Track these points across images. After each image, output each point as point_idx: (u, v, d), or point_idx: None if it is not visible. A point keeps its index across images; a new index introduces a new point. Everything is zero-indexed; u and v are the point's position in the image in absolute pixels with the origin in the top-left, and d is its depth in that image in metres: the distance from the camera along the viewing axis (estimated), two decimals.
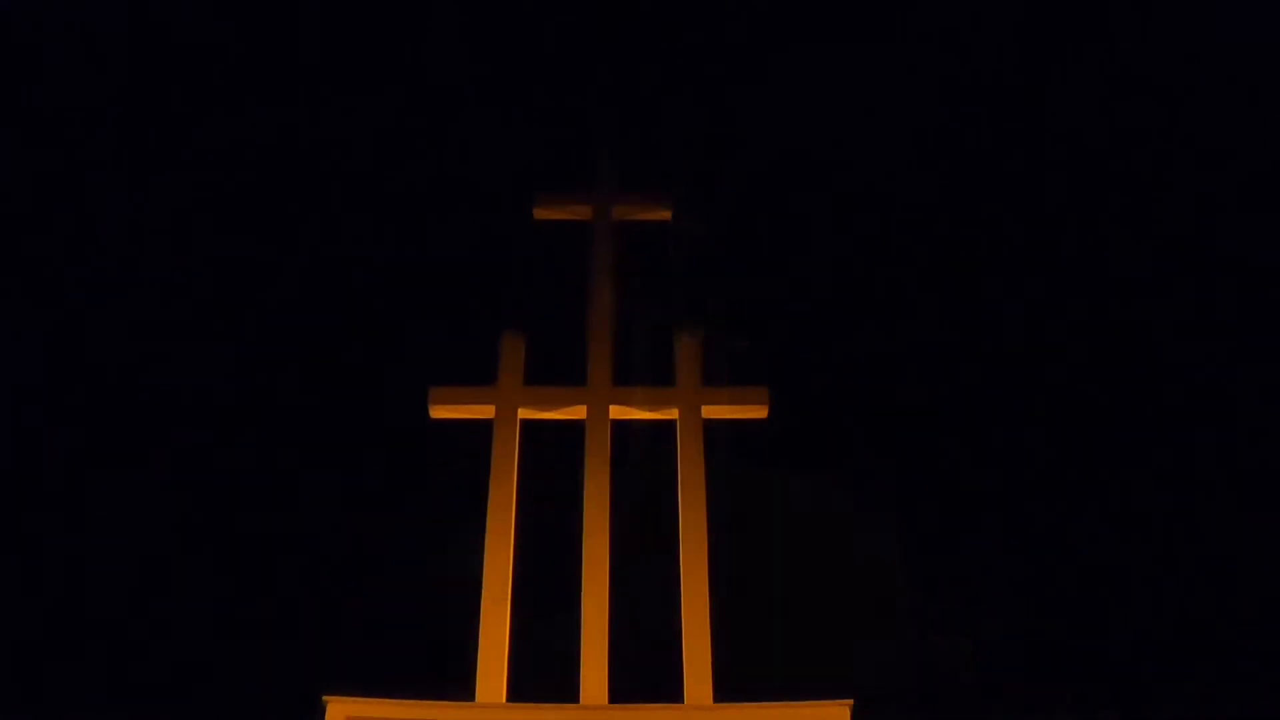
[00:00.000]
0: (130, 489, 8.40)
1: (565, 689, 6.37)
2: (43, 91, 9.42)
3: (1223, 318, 8.84)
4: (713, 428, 7.10)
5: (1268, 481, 8.32)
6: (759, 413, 7.20)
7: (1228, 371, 8.66)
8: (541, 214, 8.08)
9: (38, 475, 8.45)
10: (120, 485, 8.43)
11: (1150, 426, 8.52)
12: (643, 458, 7.42)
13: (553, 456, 7.20)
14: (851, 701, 5.86)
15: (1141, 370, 8.71)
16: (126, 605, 8.13)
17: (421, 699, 6.15)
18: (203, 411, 8.69)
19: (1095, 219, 9.25)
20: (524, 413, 7.18)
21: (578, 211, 8.05)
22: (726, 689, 6.31)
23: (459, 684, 6.36)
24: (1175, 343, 8.74)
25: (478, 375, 7.33)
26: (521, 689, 6.39)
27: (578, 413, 7.17)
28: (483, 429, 7.14)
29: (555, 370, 7.37)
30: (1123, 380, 8.72)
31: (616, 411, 7.17)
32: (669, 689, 6.36)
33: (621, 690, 6.34)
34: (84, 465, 8.49)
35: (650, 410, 7.19)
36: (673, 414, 7.13)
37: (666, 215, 8.09)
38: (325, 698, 5.88)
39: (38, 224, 9.15)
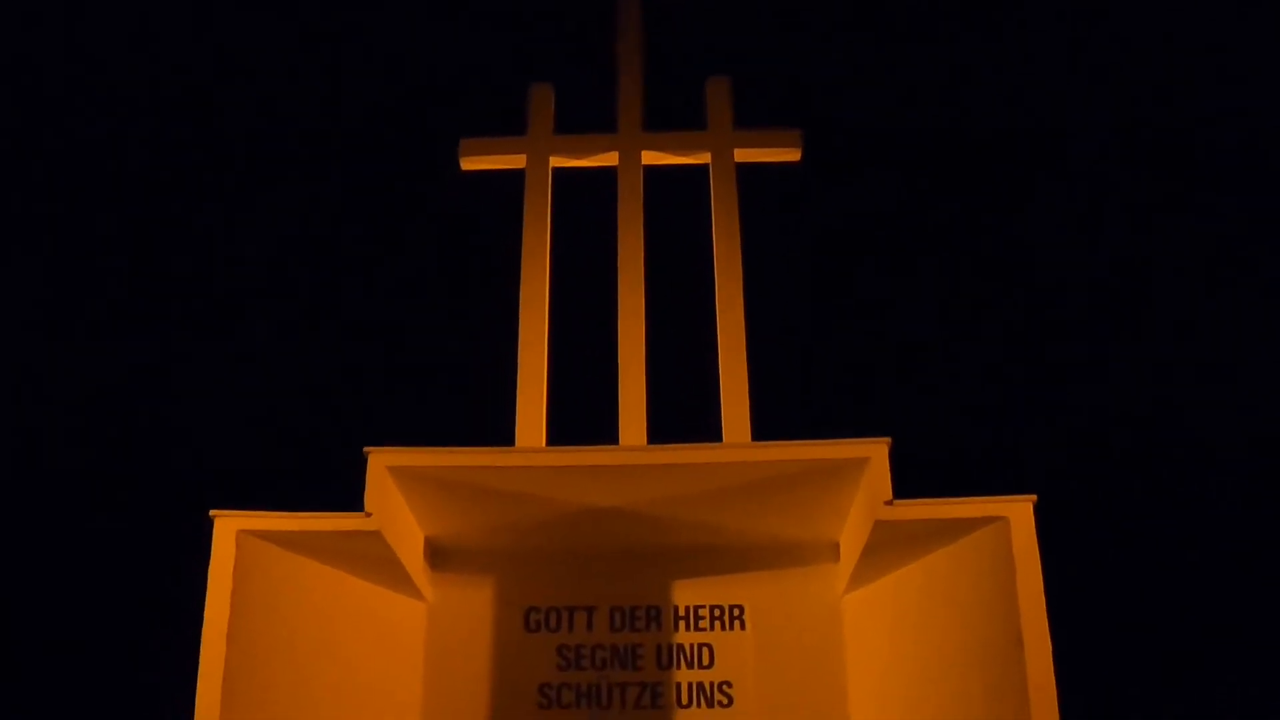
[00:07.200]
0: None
1: (604, 433, 6.42)
2: None
3: None
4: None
5: None
6: (792, 155, 7.12)
7: None
8: None
9: None
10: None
11: None
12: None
13: (585, 206, 7.15)
14: (889, 440, 5.83)
15: None
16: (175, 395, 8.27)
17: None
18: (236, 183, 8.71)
19: None
20: (555, 161, 7.10)
21: None
22: (763, 432, 6.34)
23: (499, 433, 6.41)
24: None
25: (508, 126, 7.24)
26: (561, 435, 6.43)
27: (609, 159, 7.09)
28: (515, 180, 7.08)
29: (586, 118, 7.26)
30: None
31: (648, 157, 7.08)
32: (708, 431, 6.40)
33: (660, 433, 6.38)
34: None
35: (682, 155, 7.11)
36: (705, 158, 7.05)
37: None
38: (366, 449, 5.89)
39: None
